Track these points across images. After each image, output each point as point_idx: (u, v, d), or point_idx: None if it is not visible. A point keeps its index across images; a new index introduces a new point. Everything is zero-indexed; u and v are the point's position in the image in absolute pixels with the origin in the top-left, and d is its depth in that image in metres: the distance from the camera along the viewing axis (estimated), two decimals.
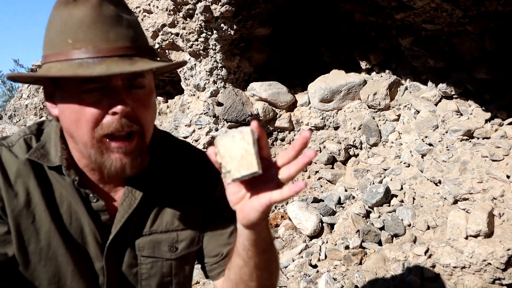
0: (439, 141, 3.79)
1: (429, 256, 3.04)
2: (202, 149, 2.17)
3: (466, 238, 2.91)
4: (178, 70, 5.34)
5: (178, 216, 1.38)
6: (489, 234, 2.88)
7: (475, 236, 2.88)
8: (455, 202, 3.29)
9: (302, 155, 0.98)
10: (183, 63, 1.36)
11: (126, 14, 1.18)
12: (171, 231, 1.37)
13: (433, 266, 2.96)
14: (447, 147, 3.66)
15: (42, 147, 1.29)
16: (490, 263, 2.78)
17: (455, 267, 2.87)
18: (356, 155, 4.62)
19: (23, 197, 1.24)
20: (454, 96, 4.14)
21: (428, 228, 3.29)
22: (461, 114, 3.93)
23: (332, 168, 4.66)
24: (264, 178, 1.02)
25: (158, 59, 1.25)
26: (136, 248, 1.34)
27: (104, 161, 1.17)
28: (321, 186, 4.52)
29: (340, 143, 4.65)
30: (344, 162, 4.66)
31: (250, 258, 1.22)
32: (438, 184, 3.51)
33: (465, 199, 3.22)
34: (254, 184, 1.03)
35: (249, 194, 1.05)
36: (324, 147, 4.72)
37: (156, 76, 1.35)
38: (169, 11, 4.96)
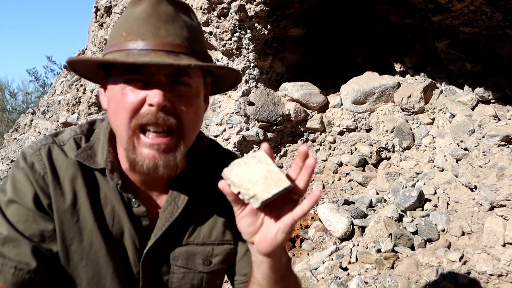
0: (475, 146, 3.71)
1: (464, 263, 2.98)
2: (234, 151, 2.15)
3: (504, 245, 2.84)
4: None
5: (215, 230, 1.37)
6: None
7: None
8: (492, 208, 3.21)
9: (305, 165, 1.02)
10: (239, 76, 1.34)
11: (185, 16, 1.20)
12: (207, 245, 1.36)
13: (468, 273, 2.90)
14: (483, 152, 3.58)
15: (90, 148, 1.30)
16: None
17: (491, 275, 2.81)
18: (388, 158, 4.57)
19: (70, 196, 1.25)
20: (491, 101, 4.05)
21: (463, 234, 3.23)
22: (499, 119, 3.84)
23: (363, 170, 4.61)
24: (281, 200, 1.03)
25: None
26: (171, 257, 1.33)
27: (136, 157, 1.17)
28: (352, 189, 4.47)
29: (372, 145, 4.60)
30: (376, 165, 4.61)
31: (270, 287, 1.21)
32: (474, 189, 3.44)
33: (502, 206, 3.14)
34: (273, 208, 1.05)
35: (268, 221, 1.06)
36: (356, 149, 4.68)
37: (212, 91, 1.36)
38: (203, 10, 4.98)
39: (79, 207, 1.25)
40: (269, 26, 4.67)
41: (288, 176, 1.02)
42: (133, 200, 1.29)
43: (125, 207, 1.28)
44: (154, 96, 1.11)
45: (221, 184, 1.03)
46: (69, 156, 1.28)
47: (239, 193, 1.01)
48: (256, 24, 4.63)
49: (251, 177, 0.99)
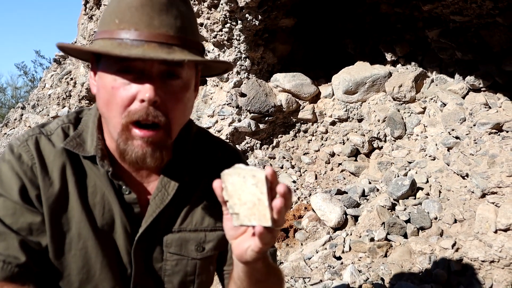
0: (467, 134, 3.73)
1: (457, 250, 3.00)
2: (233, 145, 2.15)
3: (495, 232, 2.86)
4: None
5: (208, 216, 1.38)
6: None
7: (505, 230, 2.83)
8: (483, 195, 3.23)
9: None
10: (230, 66, 1.35)
11: (181, 6, 1.18)
12: (200, 231, 1.37)
13: (461, 260, 2.92)
14: (475, 140, 3.60)
15: (79, 136, 1.30)
16: None
17: (483, 261, 2.83)
18: (380, 148, 4.58)
19: (58, 185, 1.24)
20: (482, 89, 4.07)
21: (455, 221, 3.25)
22: (490, 107, 3.86)
23: (356, 160, 4.63)
24: None
25: (205, 57, 1.24)
26: (164, 244, 1.33)
27: (127, 147, 1.17)
28: (344, 178, 4.49)
29: (364, 135, 4.62)
30: (368, 155, 4.63)
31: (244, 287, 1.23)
32: (466, 177, 3.46)
33: (493, 193, 3.17)
34: None
35: (246, 234, 1.06)
36: (348, 139, 4.69)
37: (202, 75, 1.35)
38: (194, 1, 4.95)
39: (68, 196, 1.25)
40: (260, 17, 4.65)
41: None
42: (124, 187, 1.28)
43: (116, 195, 1.28)
44: (146, 91, 1.11)
45: (216, 184, 1.03)
46: (57, 145, 1.27)
47: (227, 201, 1.01)
48: (247, 15, 4.62)
49: (242, 195, 0.98)
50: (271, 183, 0.98)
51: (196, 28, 1.24)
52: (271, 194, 0.98)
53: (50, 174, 1.25)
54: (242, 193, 0.98)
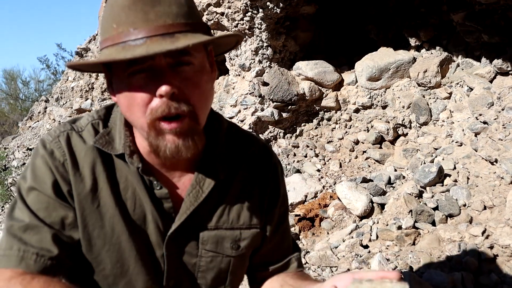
0: (495, 119, 3.66)
1: (487, 237, 2.95)
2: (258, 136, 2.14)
3: None
4: None
5: (243, 214, 1.38)
6: None
7: None
8: None
9: None
10: (240, 38, 1.29)
11: None
12: (235, 229, 1.37)
13: (491, 247, 2.88)
14: (503, 125, 3.53)
15: (108, 134, 1.30)
16: None
17: None
18: (405, 135, 4.53)
19: (90, 181, 1.25)
20: (510, 72, 3.98)
21: (485, 208, 3.20)
22: None
23: (380, 147, 4.58)
24: None
25: (211, 35, 1.21)
26: (200, 240, 1.34)
27: (159, 143, 1.17)
28: (369, 166, 4.45)
29: (389, 122, 4.56)
30: (393, 142, 4.58)
31: None
32: (495, 163, 3.40)
33: None
34: None
35: None
36: (372, 127, 4.64)
37: (214, 54, 1.31)
38: None
39: (100, 192, 1.26)
40: (281, 5, 4.62)
41: None
42: (155, 182, 1.28)
43: (147, 190, 1.28)
44: (162, 86, 1.10)
45: None
46: (88, 142, 1.28)
47: None
48: (268, 3, 4.59)
49: None
50: None
51: (193, 8, 1.20)
52: None
53: (81, 170, 1.26)
54: None
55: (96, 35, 8.80)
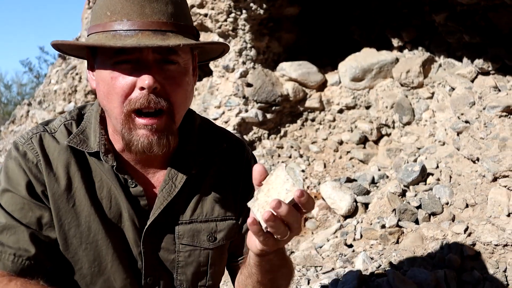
0: (476, 118, 3.69)
1: (469, 234, 2.98)
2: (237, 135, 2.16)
3: (508, 215, 2.84)
4: None
5: (218, 206, 1.39)
6: None
7: None
8: (495, 179, 3.20)
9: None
10: (226, 47, 1.34)
11: None
12: (211, 221, 1.38)
13: (474, 244, 2.90)
14: (485, 124, 3.57)
15: (82, 133, 1.31)
16: None
17: (496, 245, 2.81)
18: (389, 135, 4.56)
19: (64, 181, 1.26)
20: (491, 72, 4.03)
21: (467, 206, 3.22)
22: (499, 90, 3.82)
23: (364, 147, 4.61)
24: None
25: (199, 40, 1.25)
26: (176, 235, 1.34)
27: (132, 137, 1.18)
28: (353, 166, 4.47)
29: (372, 122, 4.59)
30: (376, 142, 4.61)
31: (253, 274, 1.26)
32: (476, 161, 3.43)
33: (505, 176, 3.13)
34: None
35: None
36: (356, 127, 4.67)
37: (199, 59, 1.35)
38: None
39: (75, 192, 1.26)
40: (264, 6, 4.63)
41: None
42: (130, 180, 1.29)
43: (122, 188, 1.29)
44: (145, 79, 1.12)
45: (260, 168, 1.06)
46: (61, 142, 1.29)
47: (262, 184, 1.04)
48: (251, 4, 4.59)
49: (272, 190, 1.01)
50: (300, 204, 0.98)
51: (188, 12, 1.24)
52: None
53: (55, 171, 1.26)
54: (273, 189, 1.00)
55: (79, 37, 8.73)
